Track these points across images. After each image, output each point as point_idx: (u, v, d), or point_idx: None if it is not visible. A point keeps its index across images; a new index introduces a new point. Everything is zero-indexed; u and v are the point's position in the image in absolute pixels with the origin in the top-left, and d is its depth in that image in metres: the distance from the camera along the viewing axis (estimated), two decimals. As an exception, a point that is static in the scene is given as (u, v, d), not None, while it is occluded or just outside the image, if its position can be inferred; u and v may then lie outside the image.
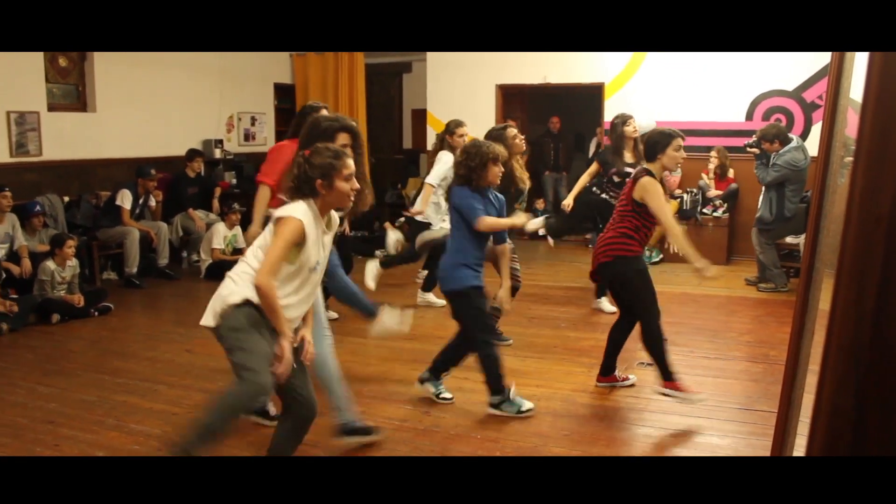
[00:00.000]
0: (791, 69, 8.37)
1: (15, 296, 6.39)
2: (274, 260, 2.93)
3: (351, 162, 3.07)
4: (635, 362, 5.06)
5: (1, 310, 6.05)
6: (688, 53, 8.48)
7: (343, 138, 3.78)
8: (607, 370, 4.61)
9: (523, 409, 4.18)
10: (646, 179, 4.29)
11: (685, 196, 8.63)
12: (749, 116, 8.57)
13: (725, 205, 8.54)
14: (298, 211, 2.99)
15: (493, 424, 4.09)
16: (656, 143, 4.33)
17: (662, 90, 9.00)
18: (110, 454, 3.81)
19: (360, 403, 4.42)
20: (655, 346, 4.27)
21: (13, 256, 6.67)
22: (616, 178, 6.22)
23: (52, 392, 4.71)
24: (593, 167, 6.66)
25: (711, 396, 4.46)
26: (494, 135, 5.19)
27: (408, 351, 5.39)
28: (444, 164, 6.16)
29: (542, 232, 5.92)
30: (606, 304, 6.20)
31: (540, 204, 10.16)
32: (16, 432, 4.09)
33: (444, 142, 6.37)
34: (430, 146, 10.33)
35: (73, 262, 6.59)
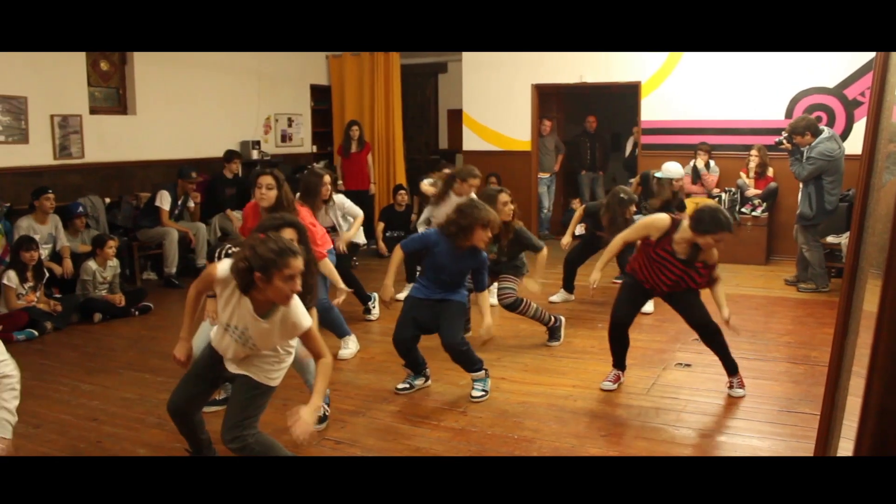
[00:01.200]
0: (832, 66, 8.24)
1: (58, 295, 6.52)
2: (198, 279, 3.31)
3: (296, 262, 2.97)
4: (673, 363, 5.03)
5: (45, 309, 6.17)
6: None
7: (289, 233, 3.79)
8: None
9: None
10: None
11: (723, 195, 8.53)
12: (789, 114, 8.45)
13: (764, 204, 8.42)
14: (222, 266, 3.13)
15: (530, 425, 4.08)
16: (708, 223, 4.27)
17: (700, 88, 8.91)
18: (151, 452, 3.86)
19: (395, 403, 4.45)
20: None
21: (56, 257, 6.80)
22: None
23: (94, 390, 4.79)
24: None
25: (751, 398, 4.42)
26: (487, 195, 5.45)
27: (443, 351, 5.38)
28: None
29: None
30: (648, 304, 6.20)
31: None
32: (61, 429, 4.17)
33: (449, 186, 6.37)
34: (464, 147, 10.37)
35: (113, 263, 6.70)
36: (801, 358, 5.13)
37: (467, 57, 10.19)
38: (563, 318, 5.70)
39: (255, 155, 9.75)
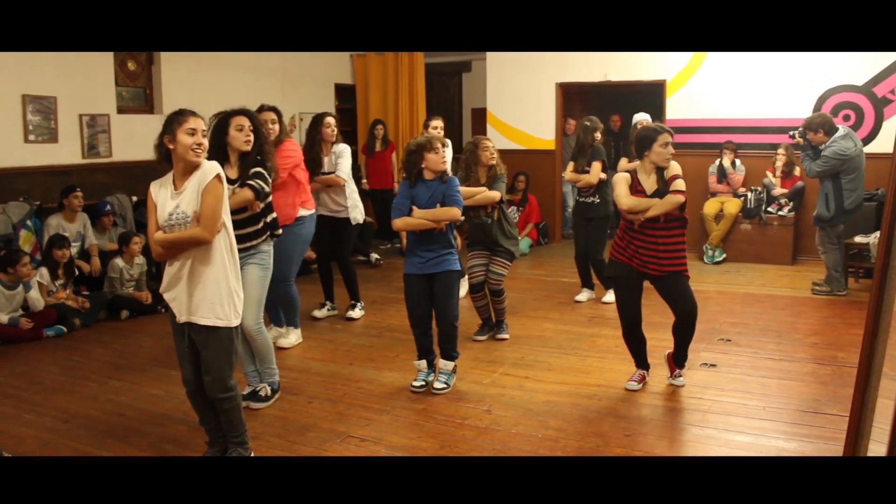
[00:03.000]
0: (861, 63, 8.14)
1: (86, 293, 6.59)
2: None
3: (195, 119, 3.33)
4: (698, 363, 5.00)
5: (74, 306, 6.25)
6: (752, 49, 8.33)
7: (237, 120, 4.41)
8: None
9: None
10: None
11: (749, 194, 8.47)
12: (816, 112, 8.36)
13: (791, 203, 8.35)
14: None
15: (555, 424, 4.08)
16: (643, 139, 4.40)
17: (726, 86, 8.84)
18: (178, 448, 3.90)
19: (420, 401, 4.46)
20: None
21: (84, 254, 6.88)
22: None
23: (122, 386, 4.84)
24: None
25: (777, 399, 4.39)
26: (471, 142, 5.74)
27: (469, 349, 5.40)
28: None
29: None
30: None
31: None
32: (89, 423, 4.22)
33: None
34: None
35: (140, 260, 6.77)
36: (827, 359, 5.08)
37: (491, 56, 10.17)
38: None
39: (279, 154, 9.79)
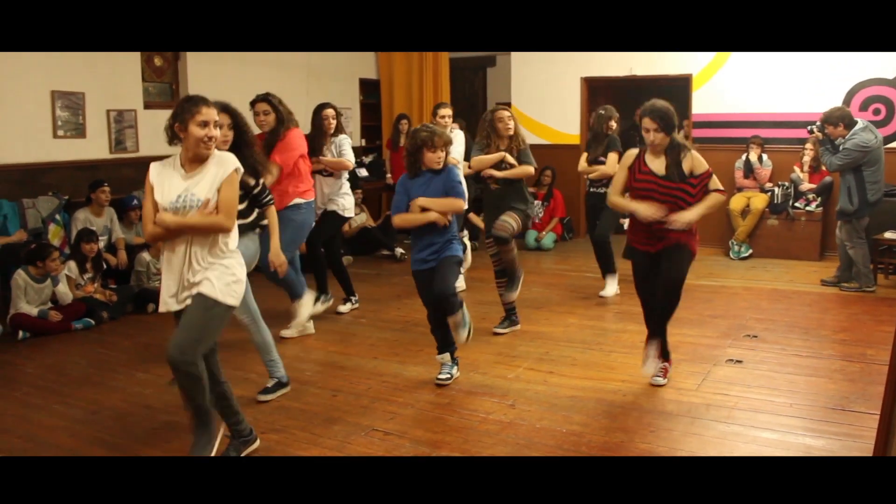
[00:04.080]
0: (890, 57, 8.03)
1: (114, 286, 6.66)
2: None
3: (208, 110, 3.27)
4: (724, 359, 4.97)
5: (101, 299, 6.32)
6: (780, 43, 8.24)
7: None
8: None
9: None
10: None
11: (776, 189, 8.39)
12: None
13: (819, 199, 8.26)
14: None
15: (579, 419, 4.07)
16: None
17: (753, 81, 8.76)
18: (205, 439, 3.92)
19: (444, 395, 4.47)
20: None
21: (111, 248, 6.95)
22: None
23: (148, 378, 4.89)
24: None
25: (804, 396, 4.35)
26: (490, 111, 5.83)
27: (494, 343, 5.40)
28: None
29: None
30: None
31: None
32: (116, 415, 4.27)
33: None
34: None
35: (168, 254, 6.82)
36: (856, 356, 5.02)
37: (516, 51, 10.15)
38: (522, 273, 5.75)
39: (305, 148, 9.83)
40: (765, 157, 8.60)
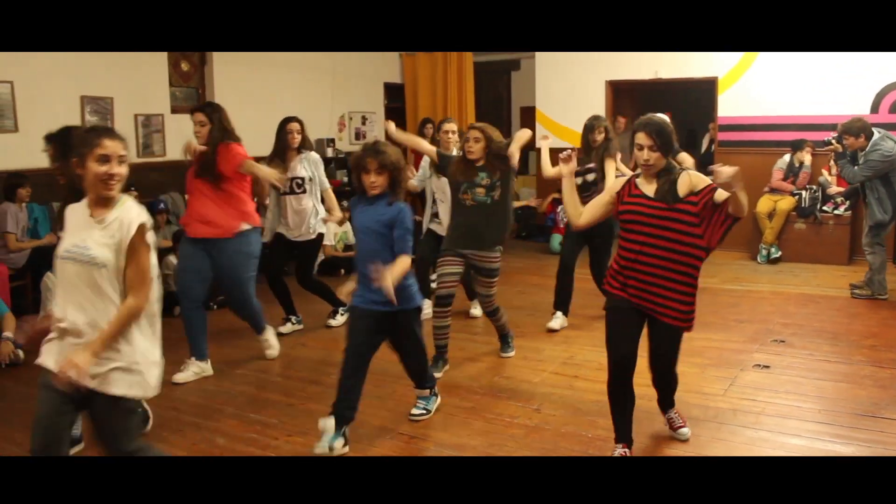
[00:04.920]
0: (921, 59, 7.94)
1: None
2: None
3: (112, 143, 2.74)
4: (751, 364, 4.93)
5: (129, 302, 6.36)
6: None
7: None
8: None
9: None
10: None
11: (804, 193, 8.30)
12: (874, 109, 8.18)
13: (847, 202, 8.17)
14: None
15: (605, 423, 4.04)
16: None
17: (780, 83, 8.68)
18: (230, 441, 3.96)
19: (470, 399, 4.47)
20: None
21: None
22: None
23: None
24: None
25: (833, 402, 4.30)
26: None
27: (519, 347, 5.39)
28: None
29: None
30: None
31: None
32: (144, 416, 4.30)
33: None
34: (538, 143, 10.30)
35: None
36: (886, 361, 4.96)
37: (541, 54, 10.13)
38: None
39: (329, 152, 9.87)
40: (808, 159, 8.42)
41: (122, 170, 2.76)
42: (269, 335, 5.37)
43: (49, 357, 2.79)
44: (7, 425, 4.20)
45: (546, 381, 4.75)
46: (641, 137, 3.39)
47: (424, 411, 4.22)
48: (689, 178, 3.40)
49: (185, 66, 8.48)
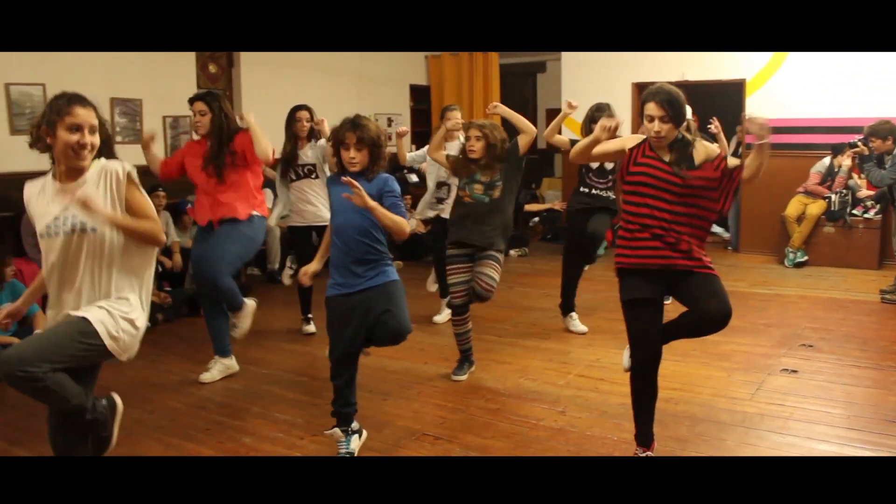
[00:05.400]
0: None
1: (169, 288, 6.79)
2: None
3: (83, 111, 2.68)
4: (778, 368, 4.88)
5: (157, 301, 6.43)
6: (838, 47, 8.05)
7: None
8: None
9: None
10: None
11: (833, 196, 8.21)
12: (905, 112, 8.07)
13: (878, 206, 8.07)
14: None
15: (630, 426, 4.00)
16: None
17: (809, 85, 8.60)
18: (256, 441, 3.98)
19: (495, 401, 4.46)
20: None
21: (166, 251, 7.08)
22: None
23: (203, 380, 4.97)
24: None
25: (862, 407, 4.25)
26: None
27: (545, 350, 5.38)
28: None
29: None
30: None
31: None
32: (172, 416, 4.35)
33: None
34: (564, 109, 10.22)
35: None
36: (917, 367, 4.90)
37: (566, 56, 10.11)
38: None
39: (355, 154, 9.91)
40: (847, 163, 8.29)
41: (95, 139, 2.70)
42: (246, 314, 4.97)
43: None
44: (37, 421, 4.26)
45: (571, 383, 4.74)
46: (652, 108, 3.27)
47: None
48: (705, 147, 3.35)
49: (212, 69, 8.55)
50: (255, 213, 4.88)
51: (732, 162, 3.27)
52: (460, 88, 11.00)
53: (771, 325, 5.94)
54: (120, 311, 2.80)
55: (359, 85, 10.20)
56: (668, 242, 3.28)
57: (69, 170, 2.73)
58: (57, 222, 2.70)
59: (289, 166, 5.83)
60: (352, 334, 3.49)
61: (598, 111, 5.69)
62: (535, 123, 12.34)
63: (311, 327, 6.05)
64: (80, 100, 2.71)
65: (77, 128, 2.65)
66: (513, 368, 5.04)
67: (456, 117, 5.93)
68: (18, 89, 6.57)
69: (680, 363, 5.03)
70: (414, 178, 9.92)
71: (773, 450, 3.74)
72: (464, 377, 4.83)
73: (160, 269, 6.74)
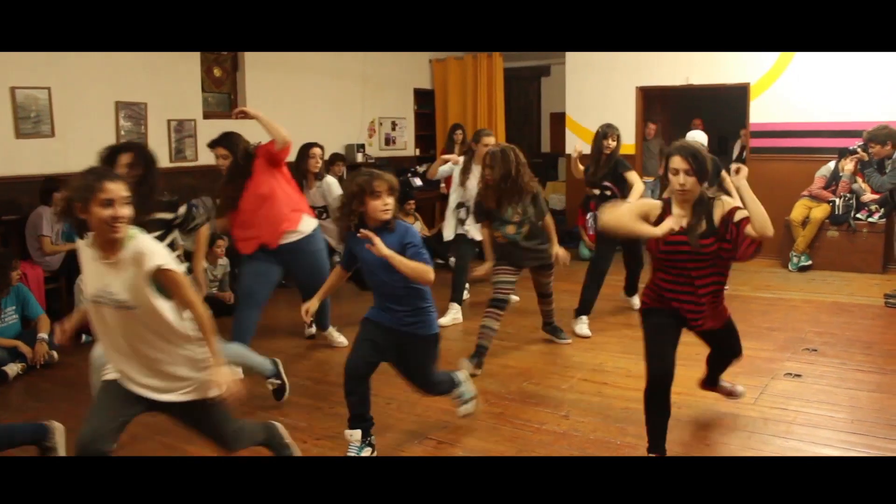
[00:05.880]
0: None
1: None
2: None
3: (113, 186, 2.74)
4: (782, 372, 4.88)
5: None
6: (842, 51, 8.05)
7: (125, 158, 3.94)
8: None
9: None
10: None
11: (837, 201, 8.19)
12: (910, 116, 8.06)
13: (882, 210, 8.05)
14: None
15: (634, 431, 4.03)
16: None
17: (814, 89, 8.58)
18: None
19: (499, 405, 4.47)
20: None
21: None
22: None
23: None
24: None
25: (867, 412, 4.25)
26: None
27: (548, 354, 5.38)
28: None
29: None
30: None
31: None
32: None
33: (470, 157, 6.35)
34: (567, 150, 10.28)
35: (223, 261, 6.95)
36: (921, 371, 4.89)
37: (571, 60, 10.11)
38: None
39: (359, 158, 9.92)
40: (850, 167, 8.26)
41: (127, 211, 2.76)
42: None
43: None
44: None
45: (575, 387, 4.74)
46: (677, 161, 3.35)
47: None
48: (723, 203, 3.42)
49: (217, 72, 8.57)
50: (305, 227, 5.12)
51: (739, 215, 3.35)
52: (465, 92, 11.00)
53: (775, 329, 5.93)
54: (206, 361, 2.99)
55: (363, 88, 10.21)
56: (691, 302, 3.54)
57: (104, 242, 2.81)
58: (104, 294, 2.82)
59: None
60: (377, 359, 3.69)
61: (602, 137, 6.08)
62: (539, 128, 12.40)
63: (312, 329, 6.05)
64: (109, 175, 2.82)
65: (109, 202, 2.72)
66: (516, 372, 5.04)
67: (490, 142, 6.05)
68: (24, 93, 6.59)
69: (683, 367, 4.98)
70: (418, 181, 9.93)
71: (777, 454, 3.74)
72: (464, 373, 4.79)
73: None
